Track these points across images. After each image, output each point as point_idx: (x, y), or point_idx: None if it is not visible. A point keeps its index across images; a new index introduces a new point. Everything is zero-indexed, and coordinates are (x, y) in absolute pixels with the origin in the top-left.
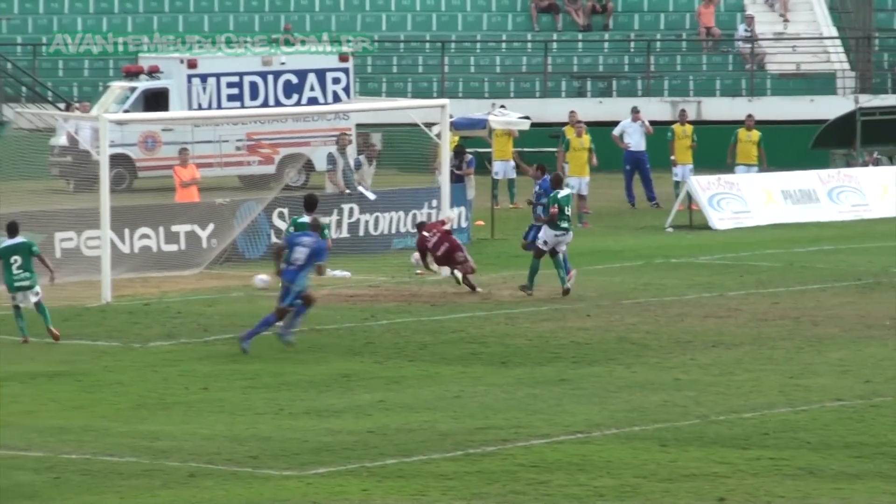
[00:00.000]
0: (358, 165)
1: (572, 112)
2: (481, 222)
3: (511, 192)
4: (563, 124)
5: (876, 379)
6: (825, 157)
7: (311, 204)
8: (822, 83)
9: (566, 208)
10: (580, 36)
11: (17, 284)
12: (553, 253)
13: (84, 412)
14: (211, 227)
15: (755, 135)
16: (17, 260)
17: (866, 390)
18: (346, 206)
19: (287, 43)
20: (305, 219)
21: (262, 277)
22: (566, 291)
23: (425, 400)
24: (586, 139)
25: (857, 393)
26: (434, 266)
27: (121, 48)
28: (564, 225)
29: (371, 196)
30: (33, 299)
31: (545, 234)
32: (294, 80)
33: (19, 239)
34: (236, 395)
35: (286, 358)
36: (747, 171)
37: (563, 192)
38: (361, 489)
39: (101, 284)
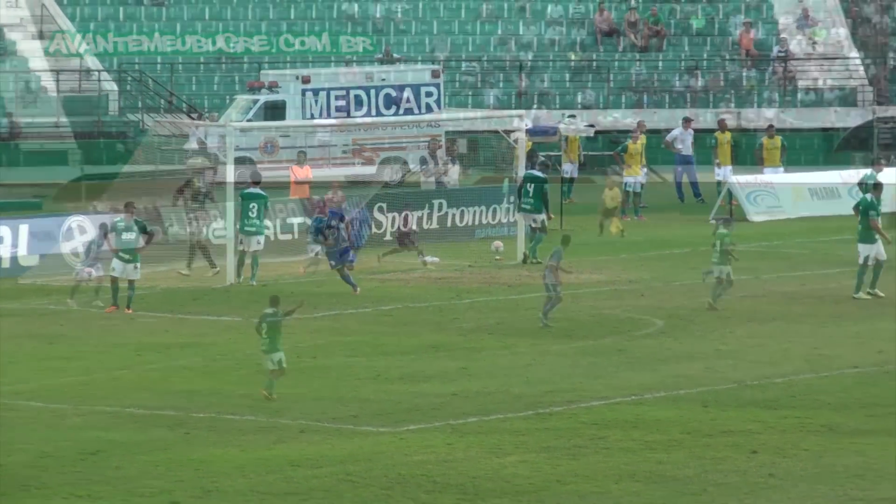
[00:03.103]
0: (424, 162)
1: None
2: (552, 216)
3: (569, 188)
4: (623, 132)
5: (888, 349)
6: (846, 158)
7: (257, 178)
8: (840, 97)
9: (527, 185)
10: (638, 56)
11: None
12: (533, 229)
13: (210, 378)
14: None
15: (777, 141)
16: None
17: (879, 359)
18: (436, 201)
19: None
20: (252, 190)
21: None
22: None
23: (502, 367)
24: (640, 144)
25: (872, 361)
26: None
27: (245, 66)
28: (523, 202)
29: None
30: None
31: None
32: (393, 93)
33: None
34: (340, 363)
35: (382, 332)
36: (774, 172)
37: (528, 171)
38: (446, 443)
39: (226, 269)
